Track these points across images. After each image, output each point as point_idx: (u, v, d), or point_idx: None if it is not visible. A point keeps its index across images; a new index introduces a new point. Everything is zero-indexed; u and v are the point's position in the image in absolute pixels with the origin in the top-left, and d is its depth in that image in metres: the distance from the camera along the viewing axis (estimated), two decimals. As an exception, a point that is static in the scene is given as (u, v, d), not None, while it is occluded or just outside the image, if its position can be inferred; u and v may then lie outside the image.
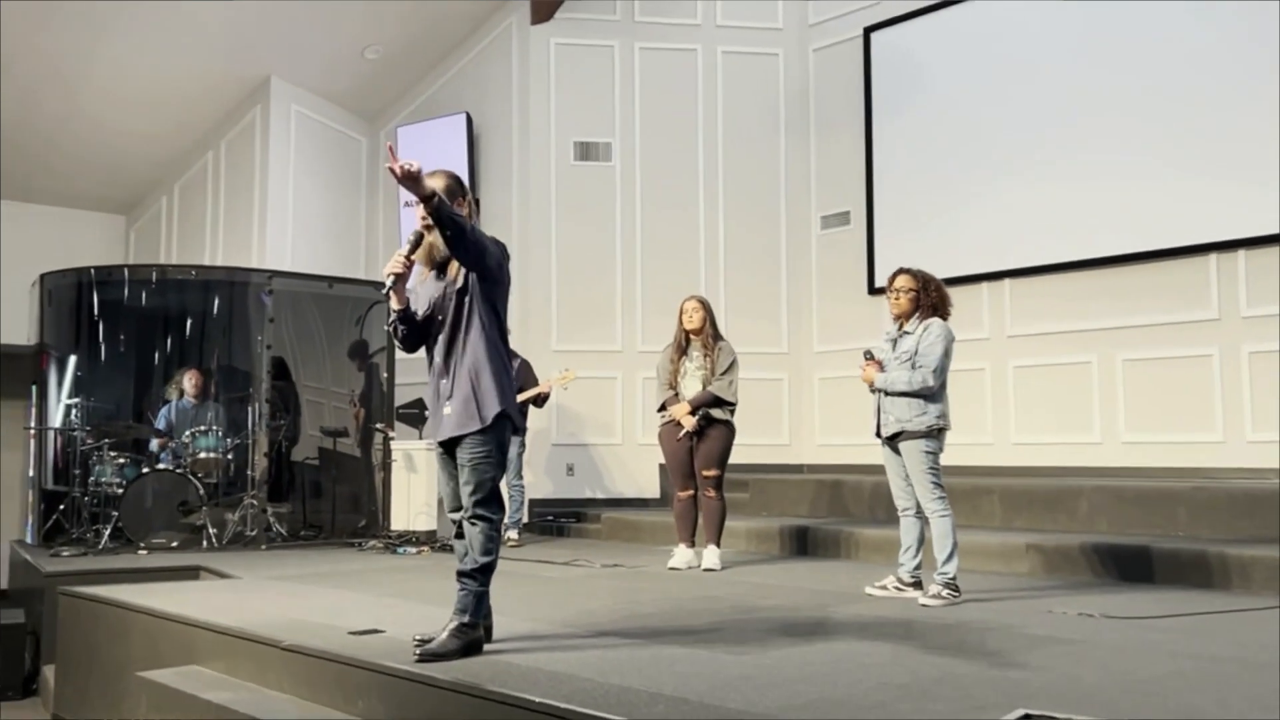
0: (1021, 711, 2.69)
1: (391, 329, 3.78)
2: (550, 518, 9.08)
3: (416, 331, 3.77)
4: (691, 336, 6.43)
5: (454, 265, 3.68)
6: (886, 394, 5.01)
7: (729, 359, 6.34)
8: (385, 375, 9.14)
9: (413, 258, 3.64)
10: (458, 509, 3.72)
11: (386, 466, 8.61)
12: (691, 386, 6.36)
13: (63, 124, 10.06)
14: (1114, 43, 8.06)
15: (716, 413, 6.29)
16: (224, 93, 10.18)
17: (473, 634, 3.55)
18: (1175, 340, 7.60)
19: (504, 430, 3.66)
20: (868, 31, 9.53)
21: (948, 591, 4.77)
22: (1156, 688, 3.06)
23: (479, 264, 3.60)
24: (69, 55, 9.17)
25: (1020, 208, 8.45)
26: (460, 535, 3.71)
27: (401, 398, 9.13)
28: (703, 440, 6.30)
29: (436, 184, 3.60)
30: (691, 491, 6.38)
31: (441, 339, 3.70)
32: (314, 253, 10.26)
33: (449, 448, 3.70)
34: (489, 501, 3.62)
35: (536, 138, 9.85)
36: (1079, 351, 8.05)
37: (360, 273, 10.62)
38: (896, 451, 5.04)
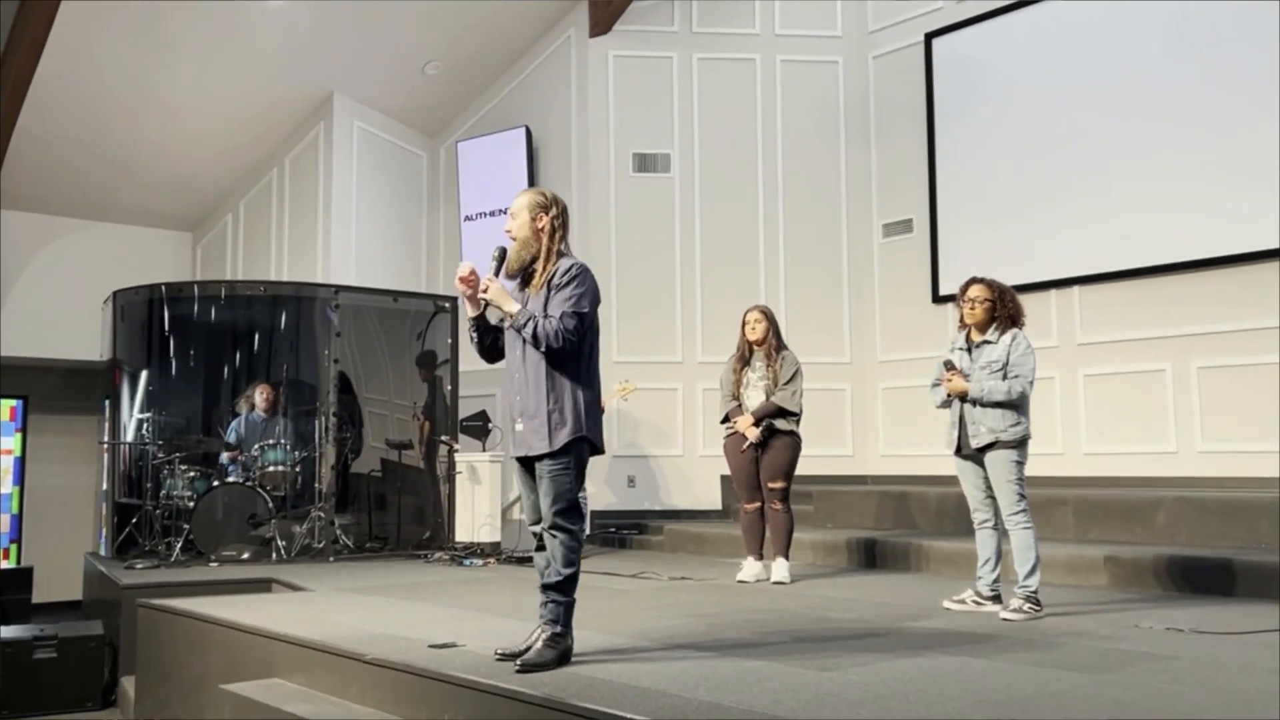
0: (1128, 731, 2.62)
1: (474, 343, 3.86)
2: (612, 529, 9.07)
3: (495, 341, 3.84)
4: (754, 347, 6.39)
5: (538, 278, 3.72)
6: (979, 404, 4.91)
7: (792, 369, 6.29)
8: (449, 388, 9.20)
9: (496, 277, 3.73)
10: (537, 522, 3.73)
11: (451, 478, 8.65)
12: (755, 397, 6.32)
13: (130, 143, 10.26)
14: (1182, 46, 7.90)
15: (781, 424, 6.24)
16: (287, 110, 10.33)
17: (564, 643, 3.60)
18: (1253, 347, 7.40)
19: (581, 451, 3.70)
20: (929, 37, 9.44)
21: (1029, 605, 4.68)
22: (1259, 707, 2.97)
23: (576, 344, 3.68)
24: (136, 78, 9.35)
25: (1088, 214, 8.31)
26: (541, 548, 3.71)
27: (465, 410, 9.17)
28: (767, 452, 6.25)
29: (518, 201, 3.77)
30: (758, 504, 6.34)
31: (524, 353, 3.70)
32: (376, 267, 10.36)
33: (526, 461, 3.72)
34: (568, 512, 3.64)
35: (596, 150, 9.88)
36: (1152, 359, 7.88)
37: (421, 286, 10.71)
38: (978, 463, 4.95)
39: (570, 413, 3.65)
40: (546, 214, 3.76)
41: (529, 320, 3.62)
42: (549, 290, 3.68)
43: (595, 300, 3.74)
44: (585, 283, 3.70)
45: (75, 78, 9.08)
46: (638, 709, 2.90)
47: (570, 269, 3.70)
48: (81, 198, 10.92)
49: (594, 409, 3.74)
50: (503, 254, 3.76)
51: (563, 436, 3.62)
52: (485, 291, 3.68)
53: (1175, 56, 7.95)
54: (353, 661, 3.87)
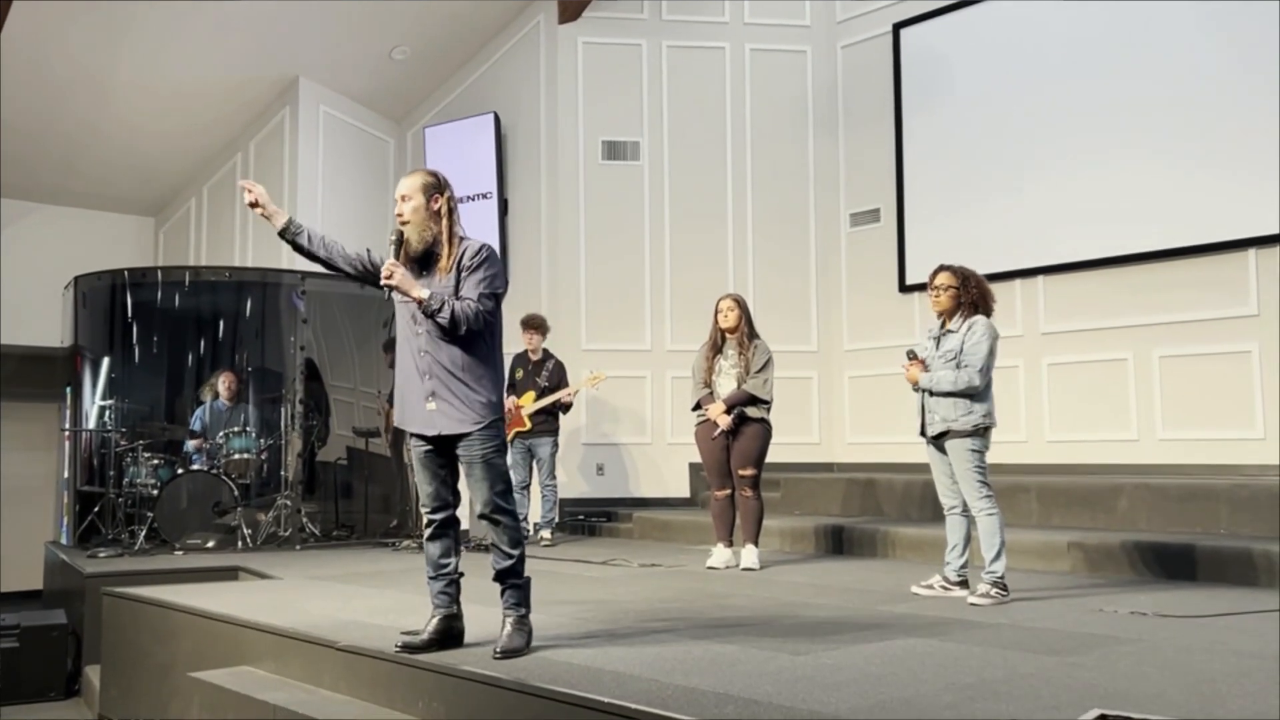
0: (1097, 712, 2.66)
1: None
2: (581, 517, 9.08)
3: (311, 257, 3.80)
4: (727, 335, 6.41)
5: (444, 262, 3.67)
6: (932, 394, 4.97)
7: (764, 357, 6.32)
8: (416, 375, 9.13)
9: (399, 261, 3.64)
10: (439, 509, 3.70)
11: (419, 466, 8.60)
12: (726, 385, 6.34)
13: (91, 127, 10.10)
14: (1146, 38, 8.00)
15: (752, 411, 6.27)
16: (252, 94, 10.20)
17: (529, 623, 3.64)
18: (1213, 336, 7.53)
19: (502, 430, 3.72)
20: (897, 28, 9.48)
21: (996, 590, 4.74)
22: (1224, 688, 3.03)
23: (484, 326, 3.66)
24: (97, 58, 9.20)
25: (1053, 204, 8.40)
26: (433, 538, 3.70)
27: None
28: (738, 439, 6.28)
29: (410, 183, 3.71)
30: (728, 491, 6.37)
31: (431, 333, 3.64)
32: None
33: (440, 445, 3.67)
34: (508, 492, 3.68)
35: (564, 137, 9.85)
36: (1115, 348, 7.99)
37: (388, 273, 10.62)
38: (942, 450, 5.00)
39: (491, 390, 3.66)
40: (441, 195, 3.71)
41: (443, 304, 3.56)
42: (458, 272, 3.65)
43: (505, 281, 3.77)
44: (496, 263, 3.71)
45: (34, 59, 8.92)
46: (613, 693, 2.90)
47: (480, 250, 3.69)
48: (40, 181, 10.74)
49: (502, 382, 3.77)
50: (400, 237, 3.66)
51: (486, 414, 3.61)
52: (390, 278, 3.56)
53: (1138, 50, 8.04)
54: (325, 649, 3.85)
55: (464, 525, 8.08)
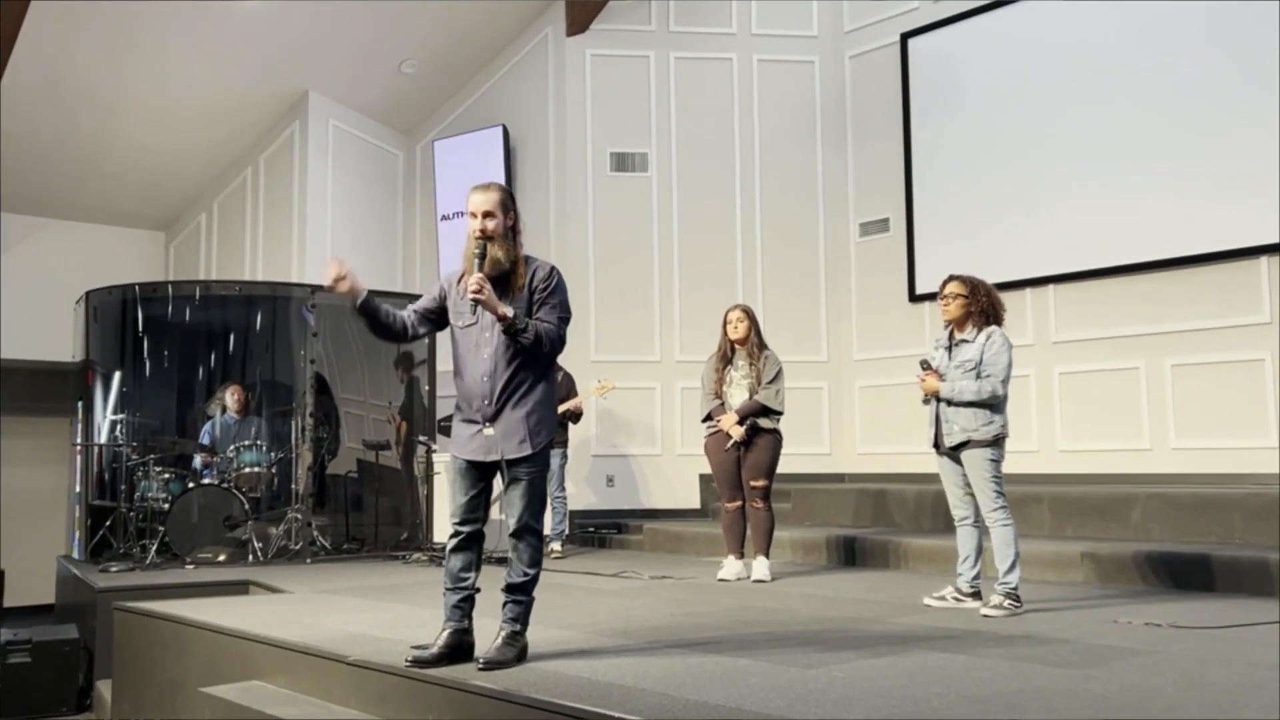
0: (1112, 725, 2.64)
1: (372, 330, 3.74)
2: (591, 529, 9.06)
3: (386, 330, 3.74)
4: (736, 346, 6.40)
5: (517, 280, 3.66)
6: (951, 404, 4.93)
7: (775, 368, 6.31)
8: (427, 388, 9.16)
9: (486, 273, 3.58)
10: (469, 521, 3.67)
11: (430, 479, 8.61)
12: (738, 395, 6.33)
13: (102, 142, 10.17)
14: (1156, 46, 7.98)
15: (764, 422, 6.26)
16: (262, 108, 10.26)
17: (523, 640, 3.64)
18: (1226, 345, 7.49)
19: (550, 448, 3.78)
20: (905, 38, 9.48)
21: (1010, 602, 4.71)
22: (1240, 700, 3.01)
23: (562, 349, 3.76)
24: (106, 73, 9.26)
25: (1063, 212, 8.38)
26: (457, 550, 3.67)
27: (443, 410, 9.13)
28: (750, 450, 6.26)
29: (491, 198, 3.63)
30: (739, 503, 6.35)
31: (498, 354, 3.63)
32: (352, 267, 10.28)
33: (485, 463, 3.66)
34: (541, 513, 3.70)
35: (573, 149, 9.87)
36: (1126, 357, 7.96)
37: (398, 286, 10.66)
38: (956, 461, 4.98)
39: (547, 415, 3.69)
40: (514, 211, 3.71)
41: (527, 324, 3.57)
42: (531, 293, 3.64)
43: (568, 310, 3.79)
44: (565, 288, 3.73)
45: (46, 76, 8.99)
46: (626, 708, 2.89)
47: (552, 273, 3.70)
48: (50, 196, 10.80)
49: (556, 407, 3.85)
50: (484, 250, 3.59)
51: (542, 439, 3.65)
52: (479, 291, 3.49)
53: (1148, 57, 8.03)
54: (335, 663, 3.85)
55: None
